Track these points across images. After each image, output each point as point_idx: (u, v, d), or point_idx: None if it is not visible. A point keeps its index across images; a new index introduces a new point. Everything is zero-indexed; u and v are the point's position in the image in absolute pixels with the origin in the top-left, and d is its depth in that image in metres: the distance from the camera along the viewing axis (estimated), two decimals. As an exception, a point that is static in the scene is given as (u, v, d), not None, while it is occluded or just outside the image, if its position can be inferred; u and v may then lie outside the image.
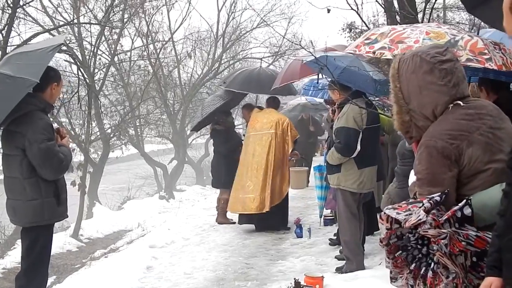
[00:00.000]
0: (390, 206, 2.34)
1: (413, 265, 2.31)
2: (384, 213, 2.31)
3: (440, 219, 2.14)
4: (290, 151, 8.09)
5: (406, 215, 2.23)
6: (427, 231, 2.16)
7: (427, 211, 2.17)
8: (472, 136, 2.29)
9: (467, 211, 2.16)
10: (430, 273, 2.22)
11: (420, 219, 2.15)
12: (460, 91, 2.40)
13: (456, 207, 2.16)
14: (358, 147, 5.62)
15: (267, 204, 7.82)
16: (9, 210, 4.05)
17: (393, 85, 2.49)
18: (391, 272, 2.43)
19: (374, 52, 3.87)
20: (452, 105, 2.36)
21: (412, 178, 2.68)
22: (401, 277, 2.39)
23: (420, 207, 2.21)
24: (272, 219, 8.07)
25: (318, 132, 13.00)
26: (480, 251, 2.16)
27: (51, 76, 4.09)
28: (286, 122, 8.17)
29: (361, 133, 5.64)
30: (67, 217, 4.21)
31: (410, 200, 2.39)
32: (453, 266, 2.14)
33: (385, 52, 3.81)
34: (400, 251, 2.32)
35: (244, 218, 8.27)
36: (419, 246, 2.30)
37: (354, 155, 5.65)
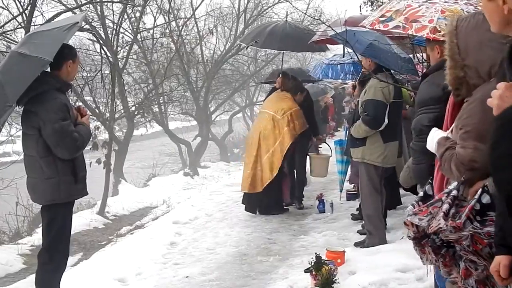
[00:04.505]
0: (411, 212, 2.35)
1: (444, 249, 2.29)
2: (408, 219, 2.32)
3: (459, 221, 2.12)
4: (288, 143, 7.44)
5: (428, 219, 2.24)
6: (448, 236, 2.17)
7: (446, 215, 2.15)
8: None
9: (486, 199, 2.13)
10: (462, 265, 2.23)
11: (441, 228, 2.15)
12: None
13: (472, 201, 2.14)
14: (386, 120, 5.59)
15: (260, 183, 7.49)
16: (29, 188, 4.10)
17: (449, 40, 2.47)
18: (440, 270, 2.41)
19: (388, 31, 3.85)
20: None
21: (438, 134, 2.61)
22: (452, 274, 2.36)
23: (439, 208, 2.20)
24: (265, 201, 7.67)
25: None
26: None
27: (66, 53, 4.05)
28: (293, 111, 7.56)
29: (388, 106, 5.60)
30: (87, 194, 4.24)
31: (431, 201, 2.34)
32: (480, 260, 2.14)
33: (399, 30, 3.77)
34: (446, 248, 2.30)
35: (245, 201, 7.92)
36: (445, 245, 2.29)
37: (381, 128, 5.62)
